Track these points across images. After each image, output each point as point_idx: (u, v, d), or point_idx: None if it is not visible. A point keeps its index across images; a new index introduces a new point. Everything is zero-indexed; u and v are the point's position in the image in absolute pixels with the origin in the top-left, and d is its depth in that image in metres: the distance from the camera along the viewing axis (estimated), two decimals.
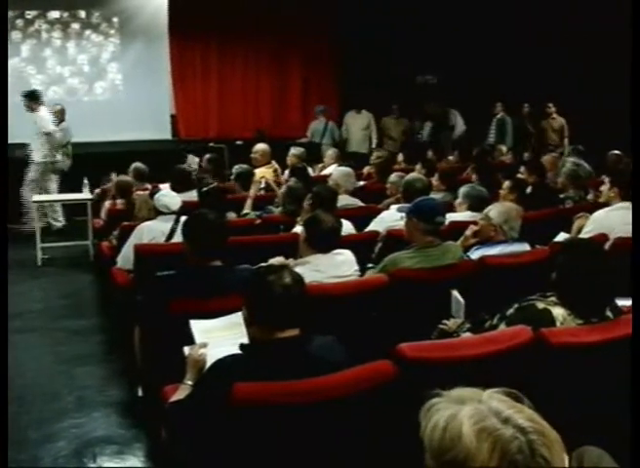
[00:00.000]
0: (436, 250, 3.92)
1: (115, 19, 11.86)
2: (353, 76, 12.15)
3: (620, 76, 7.78)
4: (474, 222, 4.48)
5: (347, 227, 4.85)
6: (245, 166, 7.10)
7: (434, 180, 6.42)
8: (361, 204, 6.04)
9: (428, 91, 12.42)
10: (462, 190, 5.40)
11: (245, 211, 6.08)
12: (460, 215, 5.13)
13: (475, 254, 4.12)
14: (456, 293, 3.43)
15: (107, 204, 6.65)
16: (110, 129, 11.19)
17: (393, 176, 6.36)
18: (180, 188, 5.97)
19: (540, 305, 2.81)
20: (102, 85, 11.92)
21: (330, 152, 9.24)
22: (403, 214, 4.29)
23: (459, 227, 4.59)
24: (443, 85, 12.28)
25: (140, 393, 4.14)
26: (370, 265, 4.19)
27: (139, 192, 6.15)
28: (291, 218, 5.27)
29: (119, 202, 6.53)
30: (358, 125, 11.99)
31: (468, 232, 4.39)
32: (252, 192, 6.43)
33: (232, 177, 6.95)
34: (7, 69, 6.49)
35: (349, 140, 12.00)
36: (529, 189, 6.23)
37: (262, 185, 6.88)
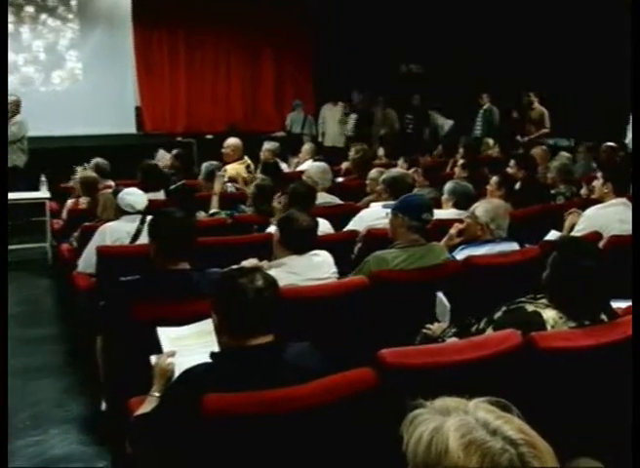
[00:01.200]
0: (421, 249, 3.93)
1: (74, 3, 11.76)
2: (329, 66, 12.17)
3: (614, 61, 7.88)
4: (460, 220, 4.50)
5: (325, 227, 4.86)
6: (214, 162, 7.08)
7: (417, 176, 6.44)
8: (339, 202, 6.05)
9: (413, 81, 12.48)
10: (448, 186, 5.43)
11: (212, 209, 6.07)
12: (446, 213, 5.16)
13: (461, 255, 4.15)
14: (441, 296, 3.45)
15: (69, 202, 6.57)
16: (69, 122, 11.14)
17: (374, 172, 6.37)
18: (149, 186, 5.94)
19: (530, 308, 2.82)
20: (61, 74, 11.83)
21: (306, 147, 9.27)
22: (388, 211, 4.30)
23: (443, 225, 4.61)
24: (429, 75, 12.34)
25: (102, 407, 4.11)
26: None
27: (102, 190, 6.09)
28: (264, 218, 5.26)
29: (82, 200, 6.45)
30: (335, 118, 12.02)
31: (453, 231, 4.41)
32: (216, 188, 6.42)
33: (201, 175, 6.93)
34: (7, 69, 6.52)
35: (326, 134, 12.02)
36: (518, 185, 6.28)
37: (226, 180, 6.80)
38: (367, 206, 5.59)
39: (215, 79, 12.76)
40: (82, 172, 6.94)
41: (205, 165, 7.00)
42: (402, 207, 4.03)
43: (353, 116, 11.93)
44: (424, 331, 3.30)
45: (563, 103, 10.23)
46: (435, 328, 3.29)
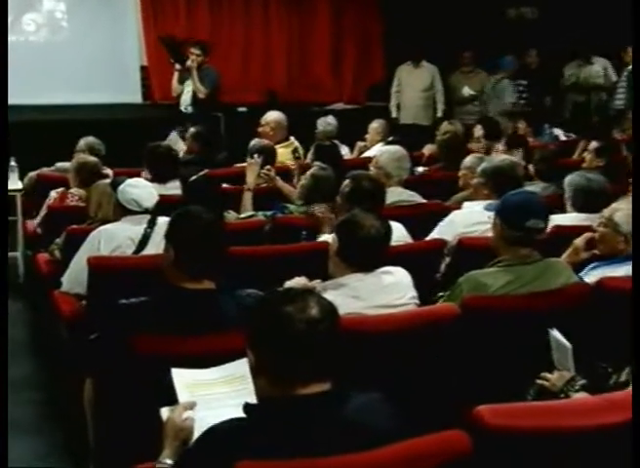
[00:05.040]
0: (534, 269, 3.94)
1: None
2: (406, 11, 12.14)
3: None
4: (589, 228, 4.48)
5: (399, 234, 4.88)
6: (265, 141, 7.12)
7: (530, 166, 6.43)
8: (420, 199, 6.08)
9: (526, 30, 12.37)
10: (569, 180, 5.40)
11: (245, 211, 6.14)
12: (568, 218, 5.14)
13: (591, 275, 4.13)
14: (556, 334, 3.44)
15: (53, 195, 6.66)
16: (49, 86, 11.24)
17: (470, 160, 6.37)
18: (159, 177, 6.02)
19: None
20: (36, 19, 11.92)
21: (374, 125, 9.29)
22: (492, 214, 4.31)
23: (565, 235, 4.59)
24: (547, 21, 12.22)
25: None
26: (441, 294, 4.20)
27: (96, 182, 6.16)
28: (317, 221, 5.31)
29: (74, 193, 6.52)
30: (416, 84, 11.99)
31: (580, 242, 4.39)
32: (249, 181, 6.49)
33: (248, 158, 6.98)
34: (7, 67, 6.71)
35: (403, 107, 12.01)
36: None
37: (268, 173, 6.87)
38: (460, 206, 5.59)
39: (248, 31, 12.79)
40: (83, 151, 7.01)
41: (254, 143, 7.04)
42: (501, 209, 4.07)
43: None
44: (539, 381, 3.30)
45: None
46: (555, 378, 3.28)
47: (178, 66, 10.04)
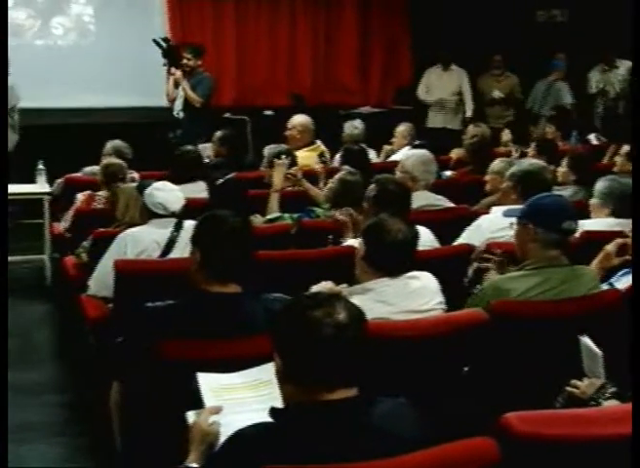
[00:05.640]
0: (562, 272, 3.92)
1: None
2: (434, 14, 12.11)
3: None
4: (620, 233, 4.45)
5: (426, 238, 4.87)
6: (281, 146, 7.14)
7: (561, 169, 6.40)
8: (447, 204, 6.06)
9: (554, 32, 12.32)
10: (601, 185, 5.38)
11: (271, 213, 6.15)
12: (598, 223, 5.11)
13: (623, 282, 4.11)
14: (587, 341, 3.42)
15: (80, 198, 6.69)
16: (76, 89, 11.29)
17: (498, 164, 6.35)
18: (181, 178, 6.02)
19: None
20: (63, 22, 11.98)
21: (400, 128, 9.29)
22: (513, 221, 4.29)
23: (595, 240, 4.57)
24: (575, 23, 12.16)
25: None
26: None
27: (123, 185, 6.18)
28: (339, 225, 5.30)
29: (101, 195, 6.53)
30: (445, 88, 11.97)
31: (611, 248, 4.37)
32: (276, 182, 6.49)
33: (264, 163, 6.99)
34: (7, 67, 6.78)
35: (431, 110, 11.99)
36: None
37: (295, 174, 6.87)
38: (487, 210, 5.58)
39: (275, 34, 12.80)
40: (109, 154, 7.03)
41: (269, 149, 7.06)
42: (533, 213, 4.04)
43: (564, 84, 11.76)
44: (569, 389, 3.28)
45: None
46: (585, 385, 3.26)
47: (173, 71, 9.76)
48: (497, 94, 11.83)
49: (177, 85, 9.75)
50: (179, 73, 9.49)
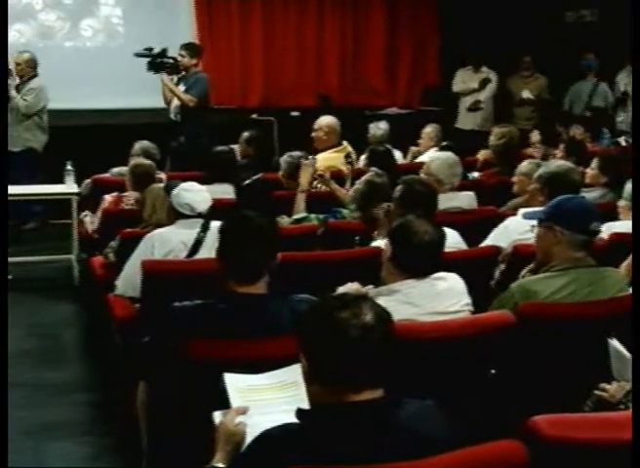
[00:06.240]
0: (589, 273, 3.90)
1: None
2: (462, 14, 12.07)
3: None
4: None
5: (453, 240, 4.86)
6: (298, 153, 7.10)
7: (589, 170, 6.37)
8: (474, 203, 6.04)
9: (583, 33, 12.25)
10: (630, 187, 5.35)
11: (298, 214, 6.15)
12: (628, 225, 5.08)
13: None
14: (616, 344, 3.39)
15: (108, 199, 6.72)
16: (105, 90, 11.35)
17: (525, 165, 6.32)
18: (215, 178, 6.02)
19: None
20: (92, 24, 12.04)
21: (427, 130, 9.27)
22: (533, 223, 4.28)
23: (625, 242, 4.54)
24: (605, 23, 12.09)
25: None
26: None
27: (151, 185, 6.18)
28: (370, 226, 5.29)
29: (129, 196, 6.54)
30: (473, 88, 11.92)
31: None
32: (303, 183, 6.50)
33: (281, 172, 6.99)
34: (7, 66, 6.82)
35: (461, 112, 11.92)
36: None
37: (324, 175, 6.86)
38: (514, 212, 5.55)
39: (301, 33, 12.81)
40: (132, 158, 7.04)
41: (286, 158, 7.04)
42: (558, 214, 4.02)
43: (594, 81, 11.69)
44: (598, 392, 3.26)
45: None
46: (614, 389, 3.24)
47: (165, 76, 9.33)
48: (526, 94, 11.77)
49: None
50: (165, 77, 9.24)
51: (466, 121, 11.79)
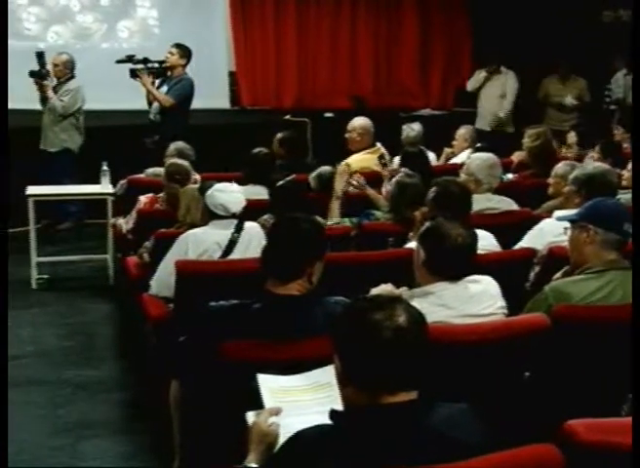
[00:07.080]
0: (623, 275, 3.87)
1: None
2: (496, 15, 12.02)
3: None
4: None
5: (487, 242, 4.84)
6: (329, 168, 7.04)
7: (626, 172, 6.32)
8: (511, 206, 6.01)
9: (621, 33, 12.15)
10: None
11: (332, 219, 6.16)
12: None
13: None
14: None
15: (143, 200, 6.73)
16: (141, 92, 11.39)
17: (561, 167, 6.27)
18: (252, 179, 6.04)
19: None
20: (129, 26, 12.12)
21: (461, 131, 9.24)
22: (567, 225, 4.24)
23: None
24: None
25: None
26: None
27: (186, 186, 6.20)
28: (404, 228, 5.27)
29: (163, 197, 6.56)
30: (495, 92, 11.80)
31: None
32: (337, 189, 6.48)
33: (312, 184, 6.95)
34: (7, 67, 6.88)
35: (482, 114, 11.83)
36: None
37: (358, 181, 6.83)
38: (549, 214, 5.52)
39: (336, 37, 12.83)
40: (167, 159, 7.05)
41: (318, 173, 6.98)
42: (592, 215, 3.99)
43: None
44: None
45: None
46: None
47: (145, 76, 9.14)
48: (569, 100, 11.60)
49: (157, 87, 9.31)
50: (145, 76, 9.10)
51: (484, 122, 11.69)
